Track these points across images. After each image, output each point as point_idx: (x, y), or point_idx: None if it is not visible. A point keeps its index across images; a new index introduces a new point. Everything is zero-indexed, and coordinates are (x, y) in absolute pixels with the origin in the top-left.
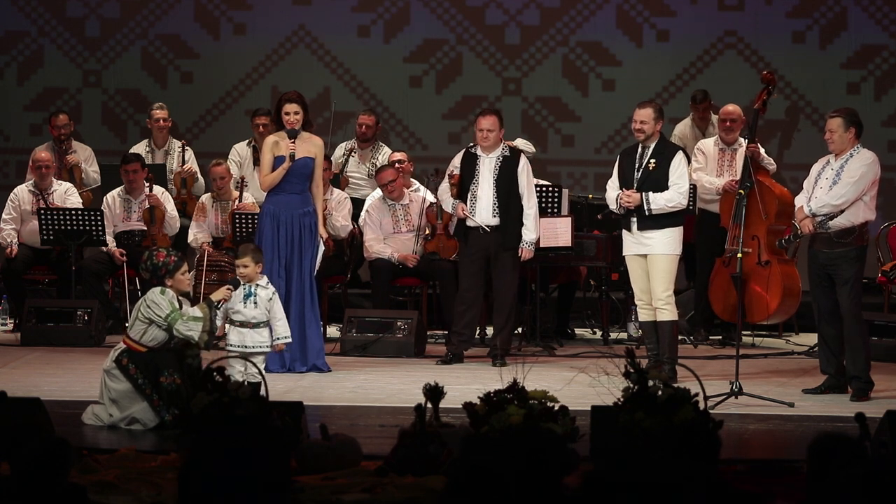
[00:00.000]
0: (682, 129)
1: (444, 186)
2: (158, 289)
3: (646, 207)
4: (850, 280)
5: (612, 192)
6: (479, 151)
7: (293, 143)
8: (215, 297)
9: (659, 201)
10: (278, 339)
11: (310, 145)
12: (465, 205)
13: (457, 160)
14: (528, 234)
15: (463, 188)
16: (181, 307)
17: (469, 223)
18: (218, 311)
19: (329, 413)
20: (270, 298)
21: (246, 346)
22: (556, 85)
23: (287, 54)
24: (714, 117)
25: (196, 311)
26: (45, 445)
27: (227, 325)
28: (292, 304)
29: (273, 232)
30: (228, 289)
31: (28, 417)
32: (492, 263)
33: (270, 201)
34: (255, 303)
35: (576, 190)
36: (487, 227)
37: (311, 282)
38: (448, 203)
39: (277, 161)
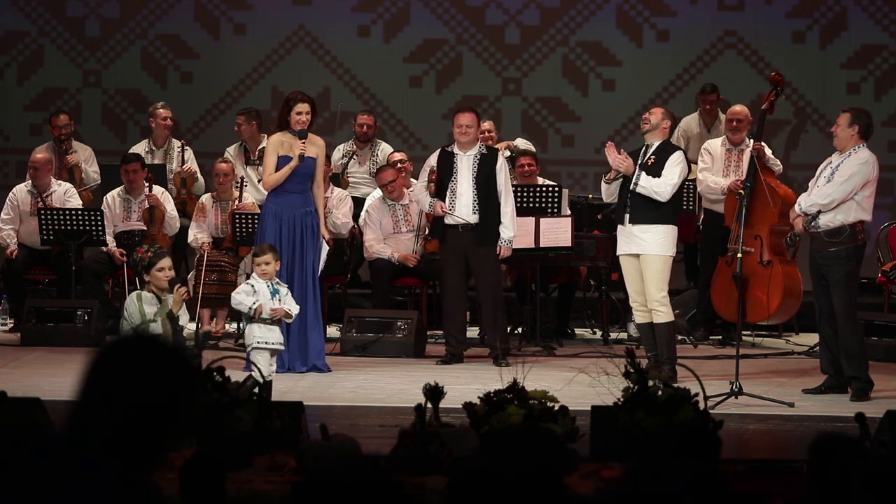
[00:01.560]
0: (688, 122)
1: (420, 185)
2: (136, 294)
3: (633, 180)
4: (841, 280)
5: (603, 183)
6: (455, 150)
7: (304, 143)
8: (176, 308)
9: (646, 183)
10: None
11: (312, 146)
12: (444, 203)
13: (433, 159)
14: (506, 232)
15: (441, 186)
16: (161, 303)
17: (448, 220)
18: (244, 298)
19: (329, 413)
20: (287, 293)
21: (268, 343)
22: (556, 85)
23: (287, 54)
24: (722, 116)
25: (157, 327)
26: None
27: (245, 323)
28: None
29: (276, 231)
30: (179, 286)
31: (28, 417)
32: (470, 261)
33: (273, 201)
34: (280, 300)
35: (576, 190)
36: (468, 223)
37: (315, 282)
38: (426, 202)
39: (282, 161)
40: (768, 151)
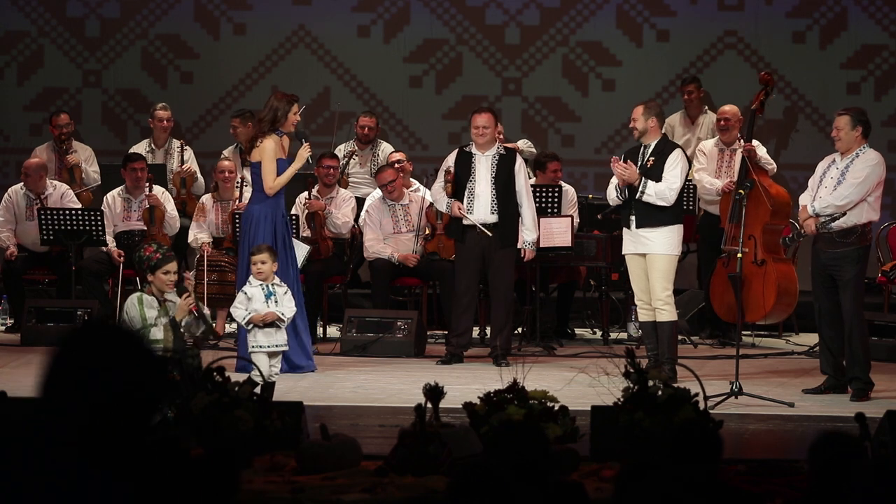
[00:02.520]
0: (672, 117)
1: (438, 186)
2: (137, 296)
3: (640, 190)
4: (851, 280)
5: (613, 190)
6: (473, 150)
7: (308, 144)
8: (179, 315)
9: (651, 191)
10: (279, 311)
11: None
12: (462, 203)
13: (450, 159)
14: (530, 234)
15: (459, 187)
16: (161, 305)
17: (466, 222)
18: (238, 310)
19: (329, 413)
20: (286, 293)
21: (262, 347)
22: (556, 85)
23: (287, 54)
24: (711, 114)
25: (158, 333)
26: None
27: (243, 326)
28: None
29: (272, 234)
30: (187, 295)
31: (28, 417)
32: (487, 262)
33: (266, 203)
34: (276, 301)
35: (576, 190)
36: (485, 225)
37: (298, 281)
38: (443, 202)
39: (280, 163)
40: (762, 151)
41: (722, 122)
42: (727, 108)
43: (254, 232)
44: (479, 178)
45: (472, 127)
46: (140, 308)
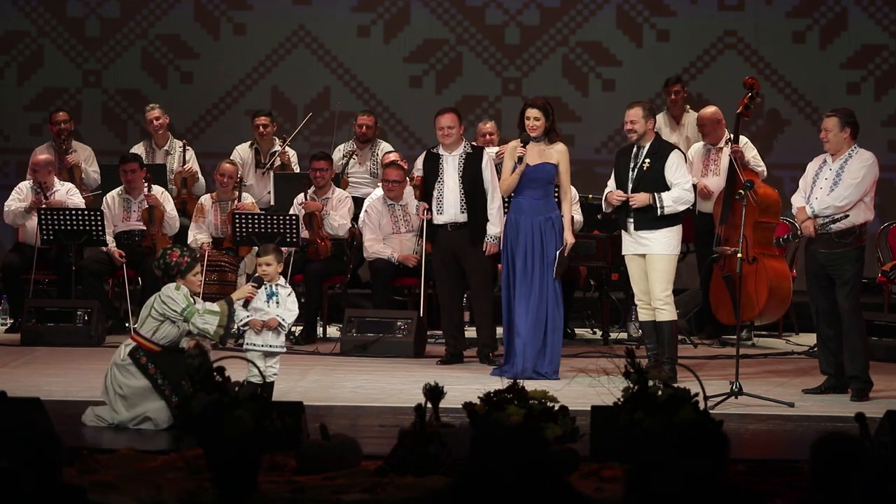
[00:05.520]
0: (657, 118)
1: (408, 189)
2: (173, 285)
3: (658, 206)
4: (850, 280)
5: (608, 191)
6: (441, 151)
7: (524, 147)
8: (236, 295)
9: (670, 202)
10: (280, 316)
11: (551, 151)
12: (433, 205)
13: (419, 162)
14: (492, 228)
15: (428, 188)
16: (195, 303)
17: (436, 222)
18: (239, 309)
19: (329, 413)
20: (289, 295)
21: (271, 346)
22: (556, 85)
23: (287, 54)
24: (693, 112)
25: (213, 307)
26: (36, 442)
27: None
28: (539, 307)
29: (513, 238)
30: (253, 286)
31: (28, 417)
32: (461, 260)
33: (511, 208)
34: (278, 303)
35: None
36: (454, 224)
37: (556, 287)
38: (413, 204)
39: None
40: (751, 153)
41: (699, 128)
42: (704, 111)
43: (513, 232)
44: (447, 178)
45: (436, 128)
46: (181, 293)
